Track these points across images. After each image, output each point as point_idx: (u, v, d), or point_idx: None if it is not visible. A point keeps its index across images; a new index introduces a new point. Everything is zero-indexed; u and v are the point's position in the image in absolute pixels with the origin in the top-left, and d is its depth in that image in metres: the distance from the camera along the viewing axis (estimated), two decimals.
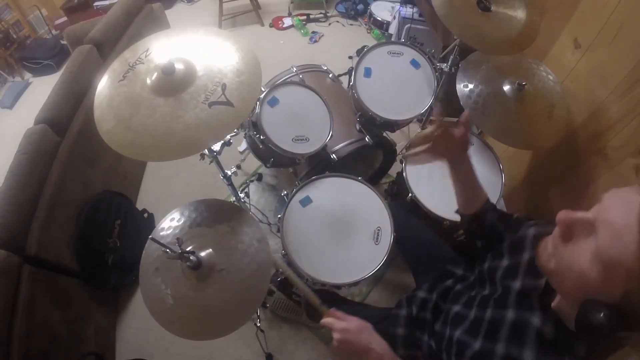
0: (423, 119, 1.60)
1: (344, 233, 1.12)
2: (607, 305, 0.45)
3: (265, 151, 1.31)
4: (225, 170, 1.27)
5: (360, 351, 0.71)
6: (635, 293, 0.43)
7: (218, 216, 0.95)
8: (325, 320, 0.75)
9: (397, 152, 1.58)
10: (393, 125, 1.43)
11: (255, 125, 1.23)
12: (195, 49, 0.92)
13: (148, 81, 0.86)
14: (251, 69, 0.88)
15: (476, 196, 0.86)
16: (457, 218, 1.19)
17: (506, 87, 1.23)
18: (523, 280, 0.66)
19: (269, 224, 1.81)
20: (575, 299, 0.50)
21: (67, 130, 1.58)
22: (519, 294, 0.65)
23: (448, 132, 0.78)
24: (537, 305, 0.60)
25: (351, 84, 1.32)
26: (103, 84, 0.89)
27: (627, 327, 0.44)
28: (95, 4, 3.44)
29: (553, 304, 0.58)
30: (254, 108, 1.23)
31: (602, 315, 0.45)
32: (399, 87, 1.34)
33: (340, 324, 0.73)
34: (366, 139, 1.40)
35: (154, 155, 0.83)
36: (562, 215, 0.51)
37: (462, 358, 0.67)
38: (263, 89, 1.27)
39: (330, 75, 1.63)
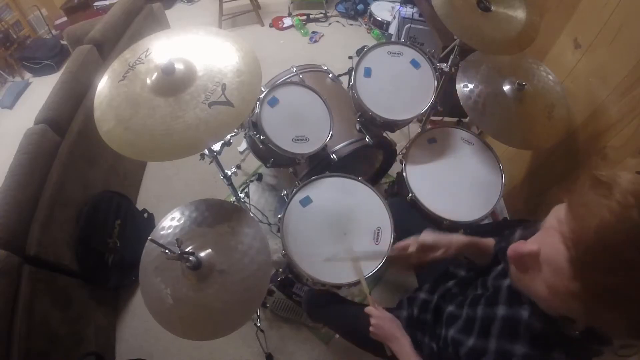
0: (423, 119, 1.60)
1: (344, 233, 1.12)
2: (575, 321, 0.49)
3: (265, 151, 1.31)
4: (225, 170, 1.27)
5: (388, 337, 0.89)
6: (590, 316, 0.46)
7: (218, 216, 0.95)
8: (369, 309, 0.94)
9: (397, 152, 1.58)
10: (393, 125, 1.42)
11: (255, 125, 1.23)
12: (195, 49, 0.92)
13: (148, 81, 0.86)
14: (251, 69, 0.88)
15: (486, 252, 0.89)
16: (456, 218, 1.21)
17: (506, 87, 1.23)
18: None
19: (269, 224, 1.81)
20: (551, 312, 0.53)
21: (67, 130, 1.58)
22: (509, 290, 0.66)
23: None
24: (526, 299, 0.61)
25: (351, 84, 1.32)
26: (103, 84, 0.89)
27: (600, 342, 0.48)
28: (95, 4, 3.44)
29: None
30: (254, 108, 1.23)
31: (573, 332, 0.49)
32: (399, 87, 1.34)
33: (379, 313, 0.92)
34: (366, 139, 1.40)
35: (154, 156, 0.83)
36: (510, 252, 0.54)
37: (457, 356, 0.68)
38: (263, 89, 1.27)
39: (330, 75, 1.63)
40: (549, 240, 0.47)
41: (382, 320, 0.90)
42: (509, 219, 1.64)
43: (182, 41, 0.95)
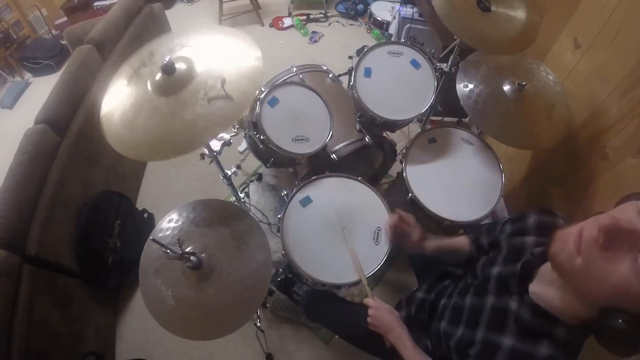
0: (423, 119, 1.60)
1: (343, 233, 1.12)
2: (629, 314, 0.45)
3: (265, 151, 1.31)
4: (225, 170, 1.27)
5: (385, 328, 0.88)
6: None
7: (218, 216, 0.95)
8: (367, 300, 0.94)
9: (397, 152, 1.58)
10: (393, 125, 1.43)
11: (255, 125, 1.23)
12: (196, 48, 0.92)
13: (150, 82, 0.86)
14: (251, 63, 0.87)
15: (459, 251, 0.97)
16: (456, 218, 1.21)
17: (506, 87, 1.23)
18: (502, 267, 0.68)
19: (269, 224, 1.81)
20: (595, 302, 0.49)
21: (67, 130, 1.58)
22: (498, 280, 0.66)
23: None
24: (515, 290, 0.61)
25: (351, 84, 1.32)
26: (112, 94, 0.90)
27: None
28: (95, 4, 3.44)
29: (531, 289, 0.58)
30: (254, 108, 1.23)
31: (623, 323, 0.45)
32: (399, 87, 1.34)
33: (376, 304, 0.93)
34: (366, 139, 1.40)
35: (154, 155, 0.83)
36: (607, 221, 0.47)
37: (448, 349, 0.68)
38: (263, 89, 1.27)
39: (330, 75, 1.63)
40: None
41: (380, 311, 0.90)
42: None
43: (185, 40, 0.94)
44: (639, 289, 0.44)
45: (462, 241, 0.97)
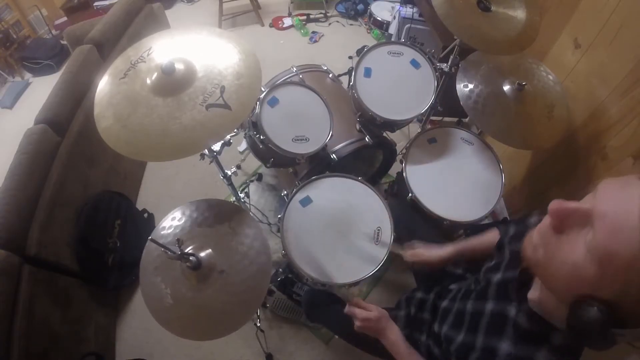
0: (423, 119, 1.60)
1: (344, 233, 1.12)
2: (600, 301, 0.43)
3: (265, 151, 1.31)
4: (225, 170, 1.27)
5: (378, 335, 0.87)
6: (634, 289, 0.41)
7: (219, 216, 0.95)
8: (350, 309, 0.89)
9: (397, 152, 1.58)
10: (393, 125, 1.43)
11: (255, 125, 1.23)
12: (197, 49, 0.92)
13: (148, 80, 0.86)
14: (251, 72, 0.88)
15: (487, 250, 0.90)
16: (457, 218, 1.21)
17: (506, 87, 1.23)
18: (504, 272, 0.67)
19: (269, 224, 1.81)
20: (564, 294, 0.48)
21: (67, 130, 1.58)
22: (498, 285, 0.66)
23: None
24: (515, 295, 0.60)
25: (351, 83, 1.32)
26: (105, 81, 0.89)
27: (620, 324, 0.43)
28: (95, 4, 3.44)
29: (529, 295, 0.57)
30: (254, 108, 1.23)
31: (596, 310, 0.43)
32: (399, 87, 1.34)
33: (363, 314, 0.87)
34: (366, 139, 1.40)
35: (149, 155, 0.82)
36: (556, 205, 0.47)
37: (448, 353, 0.69)
38: (263, 89, 1.27)
39: (330, 75, 1.63)
40: (615, 192, 0.43)
41: (367, 322, 0.87)
42: (509, 219, 1.64)
43: (185, 41, 0.94)
44: (592, 268, 0.43)
45: (493, 236, 0.89)
